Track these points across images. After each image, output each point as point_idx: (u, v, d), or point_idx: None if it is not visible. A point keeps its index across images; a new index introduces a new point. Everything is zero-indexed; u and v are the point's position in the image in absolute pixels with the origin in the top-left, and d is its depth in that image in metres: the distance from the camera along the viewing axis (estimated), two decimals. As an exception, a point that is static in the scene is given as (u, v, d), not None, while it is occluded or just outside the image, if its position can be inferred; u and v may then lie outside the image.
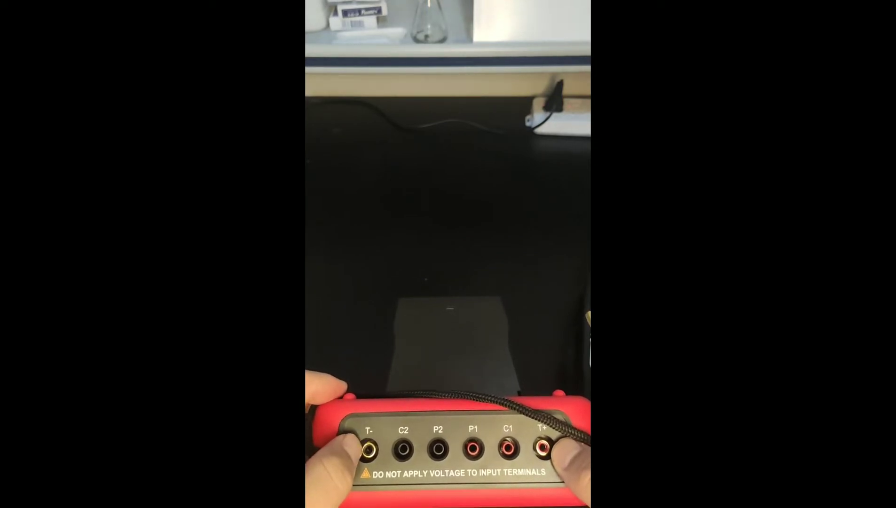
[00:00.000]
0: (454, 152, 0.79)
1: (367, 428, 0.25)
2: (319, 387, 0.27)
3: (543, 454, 0.25)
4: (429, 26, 0.79)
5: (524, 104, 0.83)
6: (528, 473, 0.24)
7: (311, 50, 0.79)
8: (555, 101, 0.80)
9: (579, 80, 0.81)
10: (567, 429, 0.25)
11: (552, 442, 0.25)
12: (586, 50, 0.75)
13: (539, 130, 0.80)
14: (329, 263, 0.63)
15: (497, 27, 0.77)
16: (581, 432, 0.25)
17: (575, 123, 0.79)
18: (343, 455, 0.25)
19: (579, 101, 0.81)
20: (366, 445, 0.25)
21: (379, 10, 0.80)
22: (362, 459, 0.25)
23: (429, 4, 0.77)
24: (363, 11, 0.80)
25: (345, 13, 0.80)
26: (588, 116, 0.79)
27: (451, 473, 0.24)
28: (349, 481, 0.24)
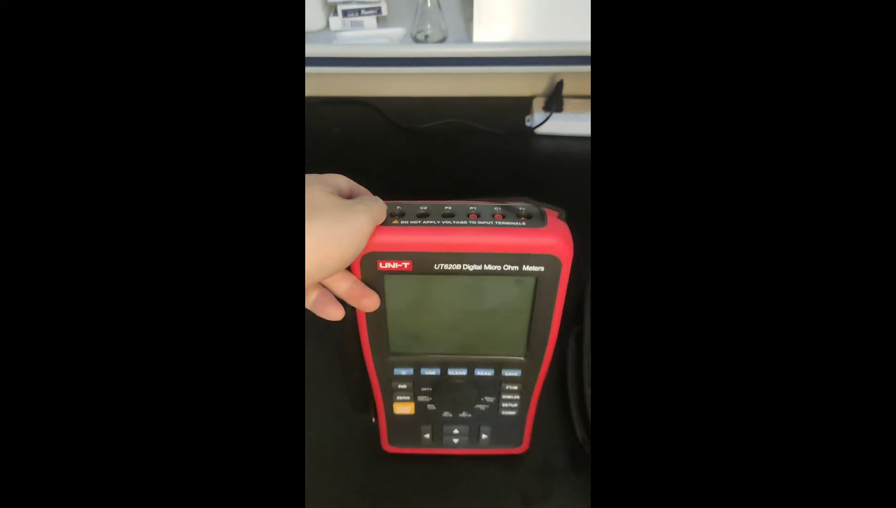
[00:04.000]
0: (454, 152, 0.79)
1: (398, 207, 0.33)
2: (378, 213, 0.31)
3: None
4: (429, 26, 0.79)
5: (524, 104, 0.83)
6: (513, 223, 0.33)
7: (311, 50, 0.79)
8: (555, 101, 0.80)
9: (579, 80, 0.81)
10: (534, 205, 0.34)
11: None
12: (586, 50, 0.75)
13: (539, 130, 0.80)
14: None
15: (497, 27, 0.77)
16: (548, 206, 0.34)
17: (575, 123, 0.79)
18: (326, 183, 0.31)
19: (579, 101, 0.81)
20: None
21: (379, 10, 0.80)
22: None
23: (429, 4, 0.77)
24: (363, 11, 0.80)
25: (345, 13, 0.80)
26: (588, 116, 0.79)
27: (457, 222, 0.33)
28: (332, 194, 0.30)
